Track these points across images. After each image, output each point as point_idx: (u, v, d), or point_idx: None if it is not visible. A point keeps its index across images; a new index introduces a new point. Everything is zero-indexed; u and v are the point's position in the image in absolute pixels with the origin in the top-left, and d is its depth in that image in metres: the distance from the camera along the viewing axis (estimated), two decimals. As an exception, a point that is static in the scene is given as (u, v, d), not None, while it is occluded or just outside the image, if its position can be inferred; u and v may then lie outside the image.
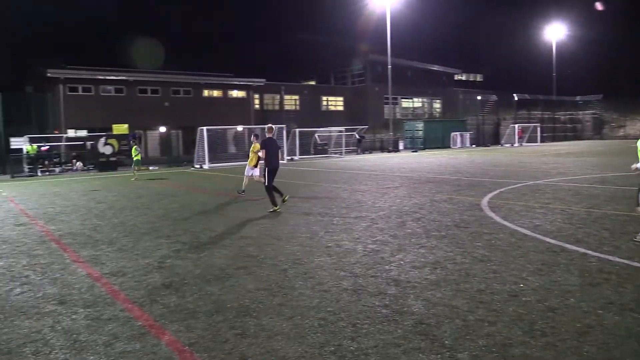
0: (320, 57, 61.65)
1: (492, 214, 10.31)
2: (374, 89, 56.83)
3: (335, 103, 58.48)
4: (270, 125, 12.60)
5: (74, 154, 31.07)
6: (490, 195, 13.19)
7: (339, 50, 59.75)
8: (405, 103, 62.62)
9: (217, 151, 32.18)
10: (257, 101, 51.15)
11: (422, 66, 62.31)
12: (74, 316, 5.19)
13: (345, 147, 40.22)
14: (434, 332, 4.50)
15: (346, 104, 58.49)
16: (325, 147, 39.77)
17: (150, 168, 30.01)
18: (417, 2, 49.73)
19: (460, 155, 33.14)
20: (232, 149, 36.96)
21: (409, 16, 50.23)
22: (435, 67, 64.59)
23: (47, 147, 29.51)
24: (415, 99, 63.59)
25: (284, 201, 12.04)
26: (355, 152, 41.23)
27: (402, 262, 6.81)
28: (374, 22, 47.39)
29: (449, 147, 45.78)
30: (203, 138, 29.08)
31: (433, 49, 70.01)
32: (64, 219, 11.56)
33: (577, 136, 59.05)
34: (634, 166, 8.09)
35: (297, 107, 54.82)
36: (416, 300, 5.32)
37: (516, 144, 47.51)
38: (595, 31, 67.82)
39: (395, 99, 56.43)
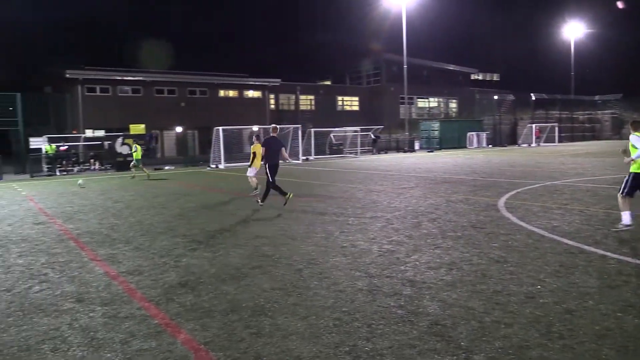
0: (336, 57, 61.66)
1: (508, 215, 10.22)
2: (389, 89, 56.65)
3: (350, 103, 58.42)
4: (274, 125, 13.18)
5: (91, 153, 31.44)
6: (507, 195, 13.08)
7: (354, 50, 59.75)
8: (421, 103, 62.34)
9: (233, 151, 32.32)
10: (272, 101, 51.31)
11: (438, 66, 61.98)
12: (91, 314, 5.25)
13: (361, 147, 40.15)
14: (450, 334, 4.47)
15: (362, 103, 58.40)
16: (341, 147, 39.73)
17: (166, 168, 30.25)
18: (433, 1, 49.48)
19: (476, 156, 32.89)
20: (247, 149, 37.06)
21: (425, 15, 50.06)
22: (452, 67, 64.20)
23: (66, 147, 29.89)
24: (431, 99, 63.28)
25: (261, 204, 12.27)
26: (371, 152, 41.14)
27: (417, 263, 6.78)
28: (390, 21, 47.26)
29: (465, 147, 45.46)
30: (219, 138, 29.23)
31: (449, 49, 69.71)
32: (82, 218, 11.69)
33: (595, 136, 58.28)
34: (626, 160, 8.35)
35: (313, 107, 54.87)
36: (432, 301, 5.29)
37: (533, 144, 47.03)
38: (614, 30, 67.02)
39: (411, 98, 56.19)
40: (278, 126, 13.71)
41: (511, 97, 55.71)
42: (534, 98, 53.65)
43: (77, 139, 32.65)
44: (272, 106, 51.05)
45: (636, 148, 8.17)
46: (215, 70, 46.78)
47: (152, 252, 7.97)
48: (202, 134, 36.49)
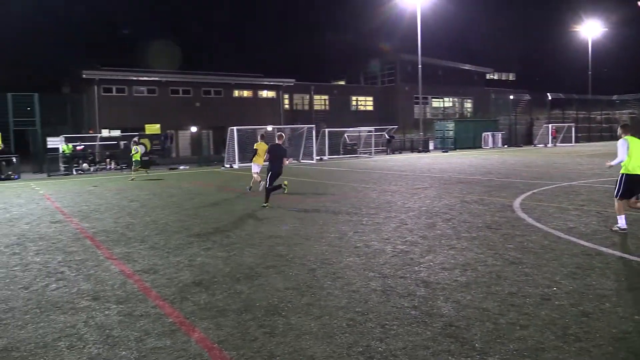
0: (350, 57, 61.58)
1: (524, 216, 10.13)
2: (404, 89, 56.44)
3: (364, 103, 58.31)
4: (280, 133, 13.57)
5: (107, 153, 31.75)
6: (522, 196, 12.96)
7: (368, 49, 59.61)
8: (436, 103, 62.02)
9: (247, 151, 32.36)
10: (286, 101, 51.39)
11: (453, 65, 61.63)
12: (107, 312, 5.30)
13: (375, 147, 40.06)
14: (464, 335, 4.44)
15: (376, 103, 58.26)
16: (355, 147, 39.69)
17: (181, 167, 30.45)
18: (448, 1, 49.17)
19: (491, 156, 32.65)
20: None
21: (439, 15, 49.76)
22: (467, 66, 63.79)
23: (82, 146, 30.22)
24: (446, 99, 62.93)
25: (284, 190, 13.55)
26: (385, 152, 41.03)
27: (431, 264, 6.75)
28: (405, 21, 47.09)
29: (480, 147, 45.14)
30: (233, 138, 29.35)
31: (464, 48, 69.19)
32: (98, 217, 11.81)
33: (613, 136, 57.48)
34: (608, 163, 8.88)
35: (327, 107, 54.85)
36: (446, 302, 5.26)
37: (550, 145, 46.56)
38: (632, 28, 66.02)
39: (426, 98, 55.93)
40: (284, 134, 13.87)
41: (527, 96, 55.21)
42: (550, 98, 53.08)
43: (93, 139, 33.01)
44: (287, 106, 51.14)
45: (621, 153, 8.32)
46: (230, 71, 47.01)
47: (166, 251, 8.03)
48: (216, 133, 36.69)
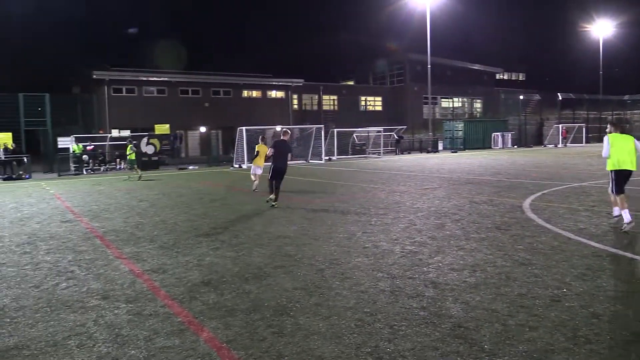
0: (359, 57, 61.52)
1: (534, 217, 10.07)
2: (413, 89, 56.31)
3: (373, 103, 58.24)
4: (285, 129, 13.54)
5: (117, 153, 31.94)
6: (532, 197, 12.89)
7: (377, 49, 59.53)
8: (445, 103, 61.81)
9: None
10: (295, 101, 51.45)
11: (462, 65, 61.39)
12: (116, 311, 5.33)
13: (384, 147, 40.00)
14: (473, 336, 4.42)
15: (385, 104, 58.16)
16: (364, 148, 39.65)
17: (190, 167, 30.57)
18: (457, 0, 48.98)
19: (501, 156, 32.50)
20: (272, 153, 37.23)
21: (449, 14, 49.59)
22: (476, 66, 63.51)
23: (92, 146, 30.42)
24: (455, 99, 62.70)
25: (268, 201, 12.63)
26: (394, 152, 40.95)
27: (440, 264, 6.72)
28: (414, 21, 46.98)
29: (490, 147, 44.95)
30: (242, 138, 29.42)
31: (473, 48, 68.89)
32: (108, 217, 11.88)
33: (624, 137, 56.93)
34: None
35: (336, 107, 54.84)
36: (455, 303, 5.24)
37: (560, 145, 46.27)
38: (644, 28, 65.36)
39: (435, 98, 55.75)
40: (289, 130, 13.85)
41: (537, 96, 54.91)
42: (560, 98, 52.78)
43: (103, 139, 33.23)
44: (295, 106, 51.19)
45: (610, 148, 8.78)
46: (239, 71, 47.13)
47: (175, 250, 8.06)
48: (225, 133, 36.78)
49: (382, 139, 39.86)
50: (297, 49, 75.84)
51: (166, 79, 42.55)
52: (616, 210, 8.94)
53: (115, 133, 34.54)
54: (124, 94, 40.91)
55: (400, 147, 41.27)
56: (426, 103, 52.41)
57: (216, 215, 11.58)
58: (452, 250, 7.47)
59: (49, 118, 32.08)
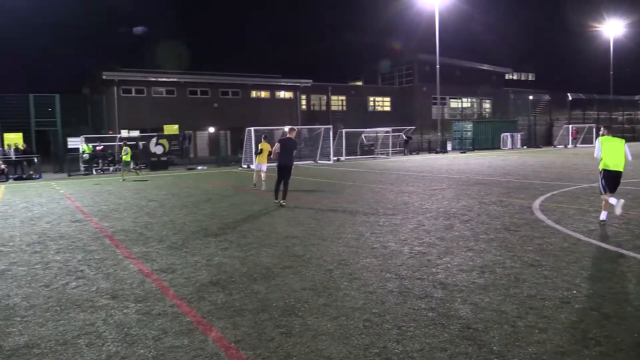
0: (367, 57, 61.48)
1: (543, 217, 10.00)
2: (421, 89, 56.14)
3: (382, 103, 58.13)
4: (292, 127, 13.72)
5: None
6: (542, 198, 12.81)
7: (386, 50, 59.46)
8: (454, 103, 61.56)
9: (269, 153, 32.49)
10: (304, 102, 51.47)
11: (471, 65, 61.12)
12: (125, 310, 5.35)
13: (392, 147, 39.92)
14: (482, 338, 4.40)
15: (393, 104, 58.03)
16: (372, 148, 39.59)
17: (199, 168, 30.67)
18: (466, 0, 48.83)
19: (510, 157, 32.34)
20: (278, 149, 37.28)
21: (458, 14, 49.44)
22: (485, 66, 63.20)
23: (102, 146, 30.60)
24: (464, 99, 62.43)
25: (276, 202, 12.79)
26: (403, 153, 40.87)
27: (449, 265, 6.70)
28: (423, 21, 46.86)
29: (499, 148, 44.75)
30: (251, 138, 29.46)
31: (483, 48, 68.59)
32: (117, 217, 11.95)
33: (636, 137, 56.54)
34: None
35: (344, 108, 54.78)
36: (463, 304, 5.22)
37: (570, 145, 45.97)
38: (656, 27, 64.70)
39: (444, 99, 55.54)
40: (296, 128, 13.91)
41: (547, 97, 54.60)
42: (570, 98, 52.45)
43: (113, 139, 33.41)
44: (304, 107, 51.21)
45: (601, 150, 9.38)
46: (248, 71, 47.23)
47: (184, 250, 8.09)
48: (234, 134, 36.86)
49: (390, 140, 39.78)
50: (305, 50, 76.01)
51: (175, 79, 42.72)
52: (603, 215, 9.29)
53: (124, 133, 34.69)
54: (133, 94, 41.10)
55: (408, 147, 41.17)
56: (435, 103, 52.25)
57: (225, 216, 11.60)
58: (460, 251, 7.44)
59: (59, 118, 32.36)
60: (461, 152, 41.09)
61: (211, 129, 42.30)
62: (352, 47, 66.82)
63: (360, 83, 62.87)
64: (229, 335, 4.62)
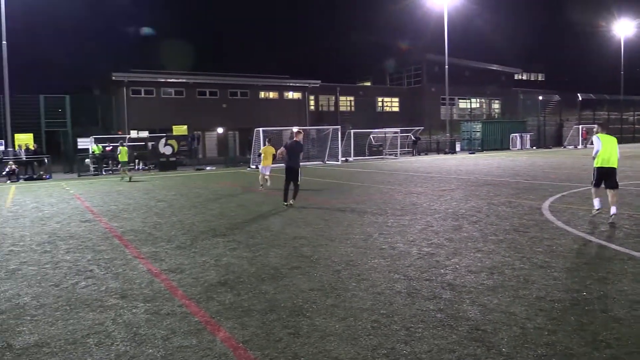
0: (376, 58, 61.37)
1: (553, 219, 9.94)
2: (430, 90, 55.98)
3: (390, 104, 58.02)
4: (298, 129, 13.75)
5: (135, 154, 32.26)
6: (551, 199, 12.73)
7: (395, 50, 59.33)
8: (463, 104, 61.35)
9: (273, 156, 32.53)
10: (312, 102, 51.48)
11: (480, 66, 60.86)
12: (134, 310, 5.38)
13: (401, 148, 39.83)
14: (491, 339, 4.38)
15: (402, 104, 57.90)
16: (380, 149, 39.53)
17: (208, 168, 30.76)
18: (475, 0, 48.63)
19: (519, 157, 32.17)
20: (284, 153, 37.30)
21: (467, 15, 49.27)
22: (494, 67, 62.92)
23: (111, 147, 30.77)
24: (473, 100, 62.19)
25: (285, 204, 12.74)
26: (411, 153, 40.78)
27: (457, 266, 6.67)
28: (432, 21, 46.75)
29: (508, 148, 44.53)
30: (259, 139, 29.51)
31: (492, 48, 68.25)
32: (127, 217, 12.01)
33: (646, 138, 56.07)
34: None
35: (352, 108, 54.74)
36: (472, 306, 5.20)
37: (580, 146, 45.65)
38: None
39: (452, 99, 55.37)
40: (302, 130, 14.02)
41: (557, 97, 54.25)
42: (580, 98, 52.06)
43: (122, 140, 33.54)
44: (312, 107, 51.23)
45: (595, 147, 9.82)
46: (256, 72, 47.34)
47: (193, 250, 8.12)
48: (242, 134, 36.93)
49: (399, 140, 39.69)
50: (314, 50, 75.98)
51: (184, 80, 42.87)
52: (596, 203, 9.84)
53: (134, 134, 34.87)
54: (143, 95, 41.29)
55: (417, 148, 41.06)
56: (444, 104, 52.09)
57: (233, 216, 11.63)
58: (469, 252, 7.41)
59: (69, 119, 32.59)
60: (470, 153, 40.92)
61: (220, 130, 42.43)
62: (360, 48, 66.74)
63: (368, 83, 62.79)
64: (237, 335, 4.63)
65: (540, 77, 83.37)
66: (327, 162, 33.06)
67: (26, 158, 27.62)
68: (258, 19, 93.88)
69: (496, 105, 64.14)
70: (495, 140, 44.55)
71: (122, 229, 10.30)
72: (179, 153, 32.27)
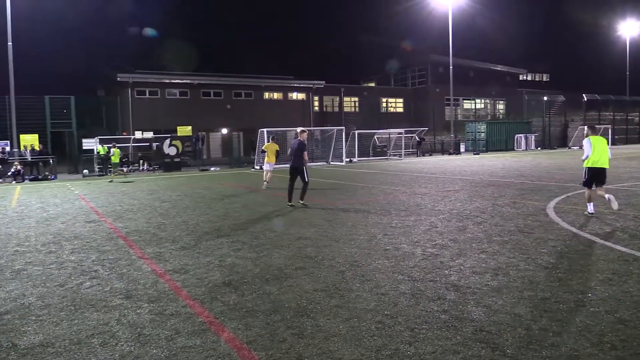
0: (380, 58, 61.35)
1: (558, 220, 9.91)
2: (434, 90, 55.91)
3: (394, 104, 57.98)
4: (302, 128, 13.73)
5: (140, 154, 32.35)
6: (556, 200, 12.69)
7: (399, 51, 59.27)
8: (467, 104, 61.25)
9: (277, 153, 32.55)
10: (316, 103, 51.50)
11: (484, 66, 60.77)
12: (138, 310, 5.38)
13: (405, 149, 39.79)
14: (495, 340, 4.37)
15: (406, 105, 57.86)
16: (385, 149, 39.50)
17: (212, 169, 30.80)
18: (480, 1, 48.52)
19: (524, 158, 32.08)
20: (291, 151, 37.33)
21: (471, 15, 49.18)
22: (499, 67, 62.81)
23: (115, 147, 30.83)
24: (478, 100, 62.09)
25: (290, 204, 12.85)
26: (415, 154, 40.74)
27: (462, 267, 6.66)
28: (436, 22, 46.69)
29: (513, 149, 44.43)
30: (263, 139, 29.52)
31: (496, 49, 68.10)
32: (131, 217, 12.04)
33: (653, 139, 55.83)
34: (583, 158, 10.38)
35: (357, 109, 54.74)
36: (476, 307, 5.18)
37: (585, 147, 45.43)
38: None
39: (457, 100, 55.29)
40: (307, 130, 13.94)
41: (562, 98, 54.08)
42: (585, 99, 51.88)
43: (126, 141, 33.67)
44: (316, 108, 51.25)
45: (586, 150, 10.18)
46: (260, 73, 47.42)
47: (197, 251, 8.13)
48: (247, 135, 36.98)
49: (403, 141, 39.66)
50: (318, 51, 76.03)
51: (188, 81, 42.98)
52: (590, 207, 10.25)
53: (138, 135, 34.97)
54: (147, 96, 41.43)
55: (421, 149, 41.03)
56: (448, 104, 52.06)
57: (237, 216, 11.64)
58: (473, 253, 7.39)
59: (74, 120, 32.66)
60: (474, 154, 40.85)
61: (224, 130, 42.50)
62: (365, 49, 66.70)
63: (373, 84, 62.80)
64: (241, 336, 4.63)
65: (545, 78, 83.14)
66: (331, 162, 33.07)
67: (31, 159, 27.75)
68: (262, 20, 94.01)
69: (501, 106, 64.01)
70: (499, 141, 44.46)
71: (127, 230, 10.32)
72: (183, 154, 32.33)
